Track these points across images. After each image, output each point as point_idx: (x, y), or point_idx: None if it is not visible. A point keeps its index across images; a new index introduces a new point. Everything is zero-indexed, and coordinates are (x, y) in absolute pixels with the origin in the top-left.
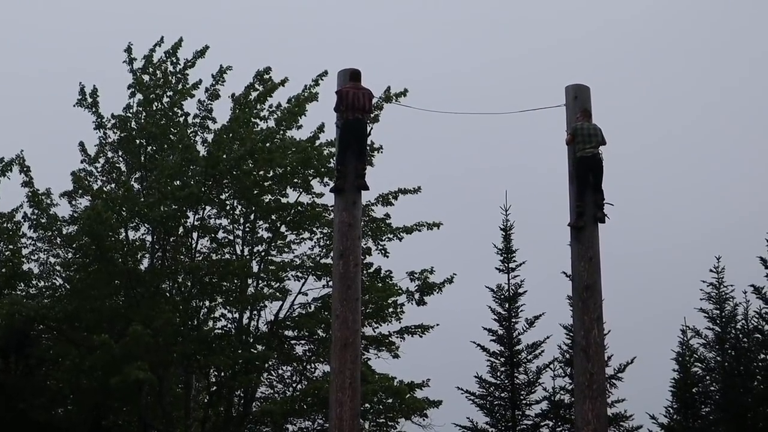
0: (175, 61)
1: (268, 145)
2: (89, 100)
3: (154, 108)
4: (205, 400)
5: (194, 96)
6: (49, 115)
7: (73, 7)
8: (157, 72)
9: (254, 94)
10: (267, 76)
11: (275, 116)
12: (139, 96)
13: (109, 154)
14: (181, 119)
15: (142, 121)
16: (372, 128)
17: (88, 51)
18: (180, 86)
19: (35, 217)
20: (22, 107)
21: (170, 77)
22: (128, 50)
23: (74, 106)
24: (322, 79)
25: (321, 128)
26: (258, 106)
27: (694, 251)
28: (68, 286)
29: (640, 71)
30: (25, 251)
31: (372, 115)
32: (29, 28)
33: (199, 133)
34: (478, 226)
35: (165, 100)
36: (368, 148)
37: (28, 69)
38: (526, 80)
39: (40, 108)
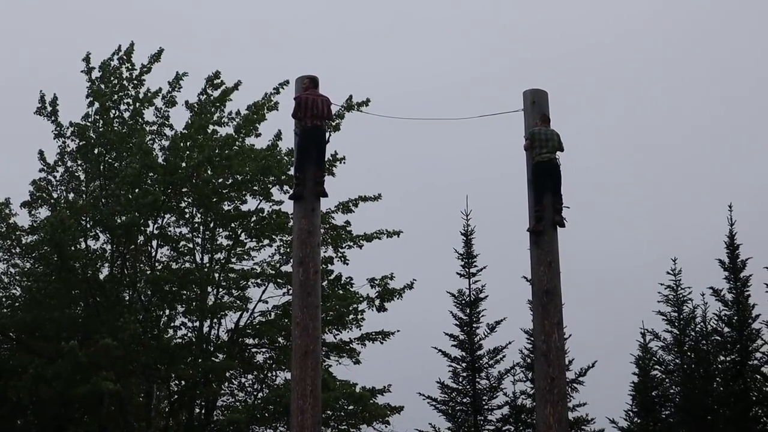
0: (130, 66)
1: (226, 151)
2: (49, 108)
3: (112, 116)
4: (167, 409)
5: (154, 104)
6: (9, 122)
7: (34, 12)
8: (113, 79)
9: (205, 99)
10: (218, 81)
11: (234, 123)
12: (96, 104)
13: (69, 163)
14: (145, 128)
15: (100, 129)
16: (331, 135)
17: (51, 57)
18: (137, 92)
19: None
20: None
21: (126, 83)
22: (86, 59)
23: (34, 113)
24: (283, 88)
25: (278, 135)
26: (213, 112)
27: (652, 254)
28: (27, 296)
29: (602, 77)
30: None
31: (332, 123)
32: None
33: (156, 140)
34: (438, 231)
35: (123, 107)
36: (330, 157)
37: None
38: (488, 86)
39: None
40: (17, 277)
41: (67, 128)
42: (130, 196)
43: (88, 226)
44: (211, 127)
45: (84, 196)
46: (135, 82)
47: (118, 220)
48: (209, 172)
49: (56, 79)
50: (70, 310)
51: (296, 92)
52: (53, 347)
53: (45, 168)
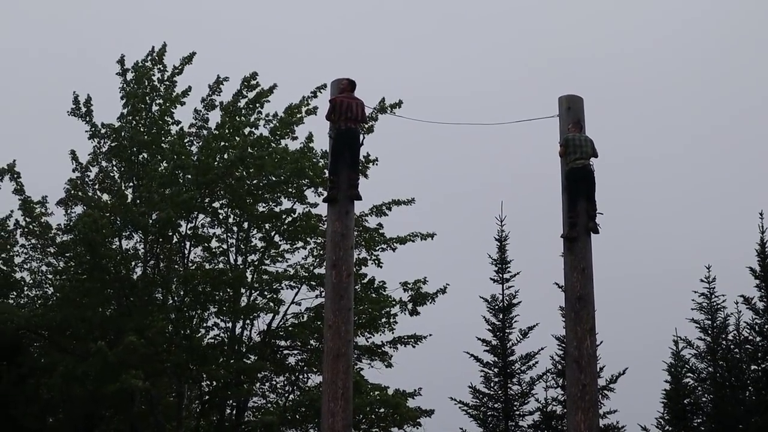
0: (162, 68)
1: (257, 151)
2: (83, 109)
3: (144, 117)
4: (198, 410)
5: (184, 104)
6: (47, 122)
7: (72, 14)
8: (145, 80)
9: (243, 102)
10: (254, 82)
11: (271, 125)
12: (129, 105)
13: (103, 163)
14: (173, 127)
15: (132, 129)
16: (365, 138)
17: (87, 59)
18: (169, 93)
19: (27, 224)
20: (19, 113)
21: (158, 85)
22: (121, 61)
23: (68, 114)
24: (320, 92)
25: (310, 137)
26: (248, 114)
27: (686, 261)
28: (59, 295)
29: (642, 87)
30: (17, 259)
31: (366, 126)
32: (25, 36)
33: (195, 142)
34: (472, 236)
35: (155, 108)
36: (362, 158)
37: (25, 75)
38: (523, 91)
39: (38, 115)
40: (50, 276)
41: (101, 129)
42: (164, 194)
43: (120, 225)
44: (247, 129)
45: (118, 195)
46: (167, 83)
47: (151, 220)
48: (242, 172)
49: (92, 80)
50: (103, 309)
51: (332, 94)
52: (84, 346)
53: (78, 168)
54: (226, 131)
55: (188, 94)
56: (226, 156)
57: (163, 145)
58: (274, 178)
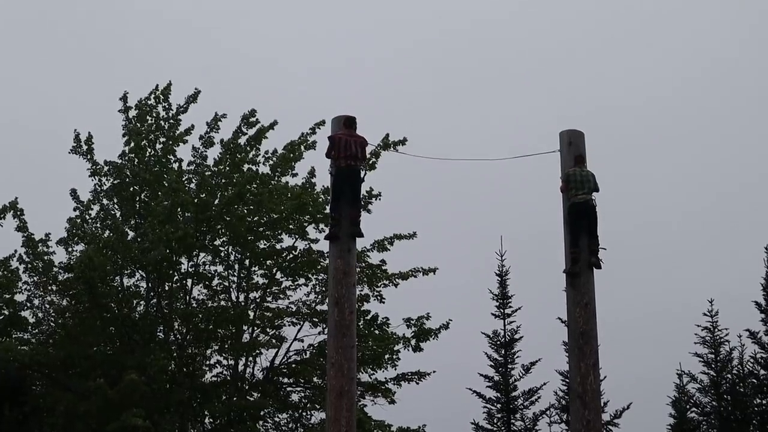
0: (166, 106)
1: (255, 186)
2: (84, 147)
3: (148, 154)
4: None
5: (187, 142)
6: (47, 160)
7: (72, 50)
8: (149, 118)
9: (243, 139)
10: (253, 119)
11: (270, 162)
12: (132, 143)
13: (104, 201)
14: (175, 165)
15: (135, 168)
16: (366, 175)
17: (85, 97)
18: (173, 132)
19: (30, 260)
20: (20, 151)
21: (163, 123)
22: (123, 98)
23: (69, 152)
24: (319, 128)
25: (312, 173)
26: (248, 150)
27: (689, 295)
28: (62, 333)
29: (645, 122)
30: (20, 297)
31: (367, 163)
32: (29, 72)
33: (193, 180)
34: (474, 270)
35: (158, 146)
36: (365, 193)
37: (28, 113)
38: (522, 126)
39: (39, 152)
40: (53, 314)
41: (103, 167)
42: (159, 231)
43: (120, 263)
44: (246, 165)
45: (118, 233)
46: (171, 121)
47: (151, 256)
48: (242, 209)
49: (92, 118)
50: (105, 347)
51: (332, 131)
52: (86, 384)
53: (79, 206)
54: (226, 168)
55: (191, 132)
56: (225, 193)
57: (164, 183)
58: (275, 215)
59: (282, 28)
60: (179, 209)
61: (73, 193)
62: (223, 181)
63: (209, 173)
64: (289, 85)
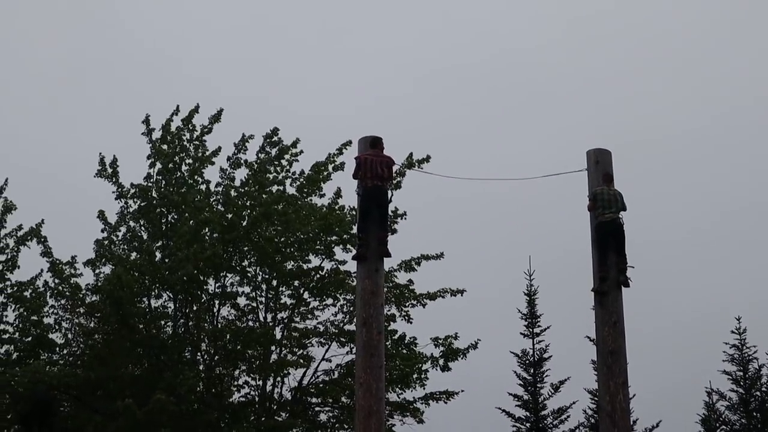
0: (191, 128)
1: (281, 206)
2: (109, 170)
3: (175, 176)
4: None
5: (214, 163)
6: (75, 182)
7: (90, 72)
8: (175, 140)
9: (264, 157)
10: (276, 138)
11: (297, 183)
12: (158, 165)
13: (131, 224)
14: (203, 186)
15: (162, 189)
16: (393, 195)
17: (109, 119)
18: (199, 153)
19: (56, 285)
20: (51, 174)
21: (188, 144)
22: (146, 121)
23: (94, 176)
24: (346, 148)
25: (338, 193)
26: (273, 169)
27: (717, 313)
28: (90, 354)
29: (671, 137)
30: (47, 320)
31: (393, 182)
32: (49, 97)
33: (221, 201)
34: (502, 291)
35: (184, 168)
36: (390, 213)
37: (52, 136)
38: (549, 144)
39: (68, 175)
40: (80, 336)
41: (129, 189)
42: (186, 251)
43: (148, 284)
44: (274, 187)
45: (146, 253)
46: (196, 143)
47: (177, 276)
48: (268, 229)
49: (114, 141)
50: (133, 368)
51: (359, 151)
52: (114, 405)
53: (106, 228)
54: (252, 189)
55: (218, 154)
56: (252, 213)
57: (190, 203)
58: (302, 235)
59: (311, 46)
60: (206, 229)
61: (101, 215)
62: (249, 202)
63: (235, 194)
64: (315, 104)
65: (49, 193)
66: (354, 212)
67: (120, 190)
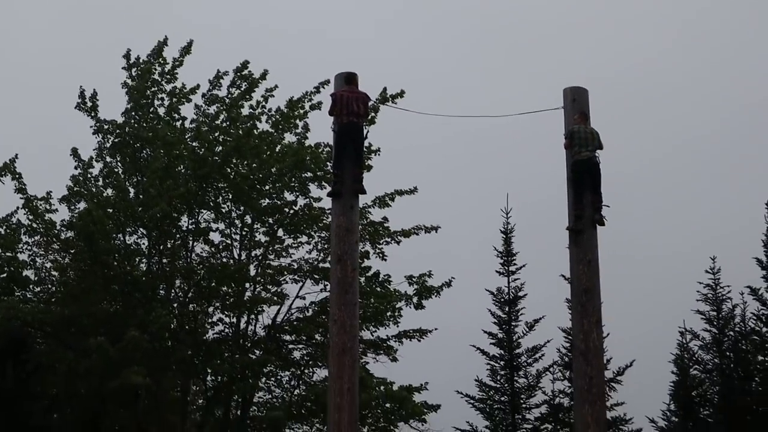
0: (162, 62)
1: (254, 141)
2: (89, 104)
3: (147, 112)
4: (203, 405)
5: (191, 101)
6: (55, 116)
7: (77, 9)
8: (145, 74)
9: (236, 92)
10: (246, 72)
11: (272, 120)
12: (128, 99)
13: (108, 159)
14: (178, 123)
15: (135, 125)
16: (368, 131)
17: (90, 52)
18: (172, 87)
19: (30, 222)
20: (28, 108)
21: (160, 78)
22: (126, 56)
23: (75, 108)
24: (324, 87)
25: (306, 127)
26: (245, 105)
27: (691, 252)
28: (64, 291)
29: (648, 77)
30: (21, 256)
31: (368, 118)
32: (29, 30)
33: (194, 137)
34: (477, 228)
35: (157, 103)
36: (365, 150)
37: (32, 69)
38: (525, 81)
39: (46, 110)
40: (55, 273)
41: (105, 125)
42: (160, 187)
43: (122, 220)
44: (248, 122)
45: (119, 190)
46: (168, 76)
47: (151, 212)
48: (242, 164)
49: (101, 75)
50: (107, 305)
51: (335, 87)
52: (88, 342)
53: (79, 165)
54: (222, 123)
55: (196, 92)
56: (223, 148)
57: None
58: (275, 172)
59: None
60: (179, 165)
61: (74, 152)
62: (221, 137)
63: (206, 129)
64: (293, 44)
65: (28, 128)
66: (329, 149)
67: (98, 125)
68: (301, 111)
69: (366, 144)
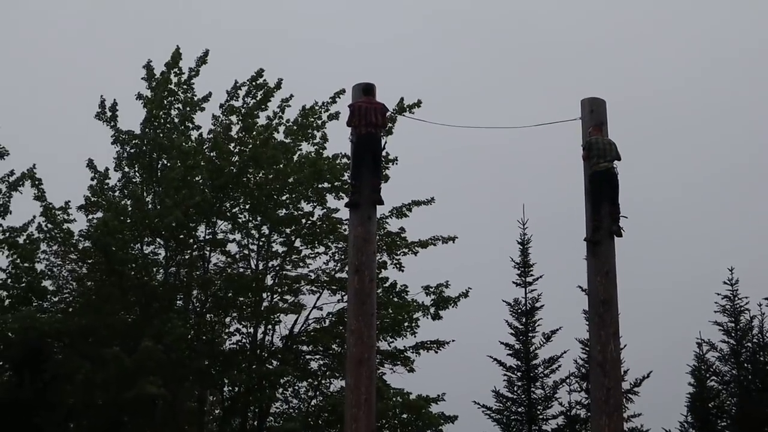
0: (178, 72)
1: (271, 151)
2: (108, 113)
3: (164, 121)
4: (220, 415)
5: (204, 109)
6: (76, 127)
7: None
8: (161, 85)
9: (252, 102)
10: (261, 80)
11: (289, 130)
12: (145, 110)
13: (126, 169)
14: (193, 132)
15: (152, 135)
16: (386, 142)
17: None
18: (187, 97)
19: (48, 230)
20: (49, 117)
21: (176, 88)
22: (147, 66)
23: (94, 118)
24: (339, 97)
25: (325, 137)
26: (261, 115)
27: (710, 263)
28: (81, 301)
29: (666, 89)
30: (39, 266)
31: (385, 129)
32: (50, 41)
33: (211, 147)
34: (495, 239)
35: (174, 112)
36: (383, 161)
37: (51, 81)
38: (544, 92)
39: (65, 119)
40: (72, 283)
41: (123, 135)
42: (176, 197)
43: (139, 230)
44: (261, 126)
45: (136, 200)
46: (184, 87)
47: (167, 221)
48: (258, 174)
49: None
50: (125, 315)
51: (353, 98)
52: (104, 352)
53: (96, 176)
54: (240, 133)
55: (208, 100)
56: (240, 158)
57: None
58: (291, 180)
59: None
60: (197, 175)
61: (90, 163)
62: (238, 148)
63: (223, 138)
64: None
65: (46, 136)
66: (346, 159)
67: (117, 134)
68: (319, 121)
69: (384, 154)
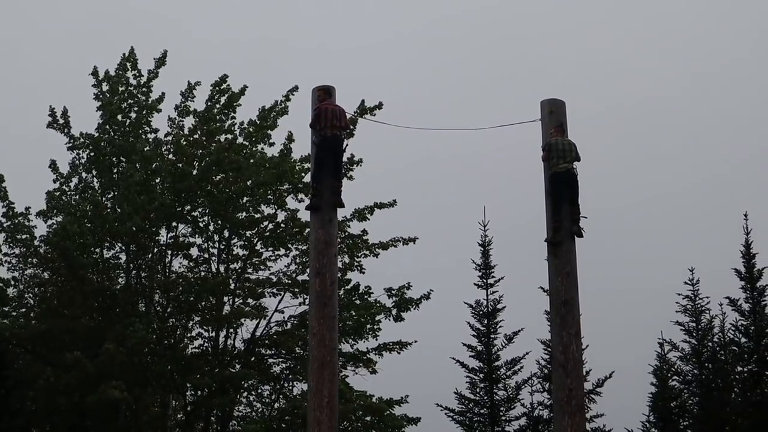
0: (137, 74)
1: (234, 155)
2: (60, 121)
3: (125, 123)
4: (183, 420)
5: (161, 111)
6: (30, 132)
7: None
8: (120, 88)
9: (216, 107)
10: (225, 86)
11: (245, 131)
12: (101, 113)
13: (83, 174)
14: (150, 135)
15: (109, 138)
16: (348, 144)
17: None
18: (146, 100)
19: (10, 231)
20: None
21: (135, 90)
22: (94, 73)
23: (47, 127)
24: (292, 94)
25: (290, 137)
26: (223, 119)
27: (670, 264)
28: (42, 306)
29: (625, 90)
30: (0, 270)
31: (348, 131)
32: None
33: (171, 150)
34: (455, 241)
35: (132, 115)
36: (347, 160)
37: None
38: (502, 94)
39: (22, 123)
40: (33, 288)
41: (80, 139)
42: (137, 202)
43: (99, 235)
44: (223, 136)
45: (94, 204)
46: (144, 89)
47: (127, 226)
48: (220, 178)
49: (71, 90)
50: (86, 319)
51: (312, 103)
52: (65, 357)
53: (58, 178)
54: (202, 138)
55: (162, 101)
56: (202, 163)
57: (139, 152)
58: (250, 182)
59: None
60: (157, 179)
61: (53, 165)
62: (199, 151)
63: (185, 143)
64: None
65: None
66: (305, 160)
67: (72, 141)
68: (271, 121)
69: (347, 155)
